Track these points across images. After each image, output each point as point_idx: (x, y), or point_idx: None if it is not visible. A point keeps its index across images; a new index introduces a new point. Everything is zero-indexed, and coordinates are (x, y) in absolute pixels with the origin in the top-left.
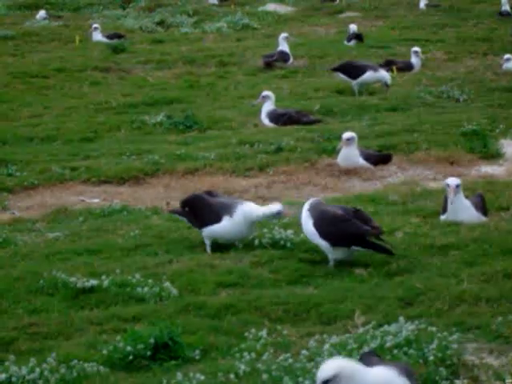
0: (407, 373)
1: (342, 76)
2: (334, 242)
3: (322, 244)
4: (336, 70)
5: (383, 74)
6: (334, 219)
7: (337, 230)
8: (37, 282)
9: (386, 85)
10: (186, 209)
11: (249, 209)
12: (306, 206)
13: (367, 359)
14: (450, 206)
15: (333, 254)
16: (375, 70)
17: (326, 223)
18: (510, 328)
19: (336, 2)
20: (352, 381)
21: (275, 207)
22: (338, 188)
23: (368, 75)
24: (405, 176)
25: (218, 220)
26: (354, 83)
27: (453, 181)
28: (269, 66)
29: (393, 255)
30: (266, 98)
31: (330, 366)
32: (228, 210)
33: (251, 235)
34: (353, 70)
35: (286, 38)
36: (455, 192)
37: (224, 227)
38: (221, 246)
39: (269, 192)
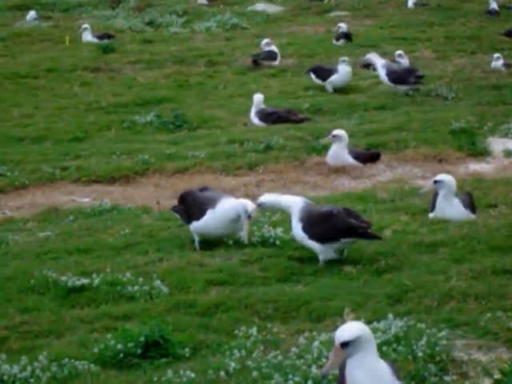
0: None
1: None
2: (324, 239)
3: (313, 245)
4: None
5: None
6: (320, 217)
7: (324, 227)
8: (28, 281)
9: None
10: (181, 205)
11: (232, 203)
12: (297, 213)
13: None
14: (438, 204)
15: (323, 254)
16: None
17: (314, 223)
18: (499, 324)
19: (324, 1)
20: (370, 346)
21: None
22: (327, 186)
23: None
24: (393, 174)
25: (202, 215)
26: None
27: (438, 177)
28: (256, 63)
29: (380, 239)
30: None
31: (352, 329)
32: (211, 203)
33: (239, 229)
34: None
35: (268, 44)
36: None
37: (207, 221)
38: (211, 244)
39: (258, 191)
